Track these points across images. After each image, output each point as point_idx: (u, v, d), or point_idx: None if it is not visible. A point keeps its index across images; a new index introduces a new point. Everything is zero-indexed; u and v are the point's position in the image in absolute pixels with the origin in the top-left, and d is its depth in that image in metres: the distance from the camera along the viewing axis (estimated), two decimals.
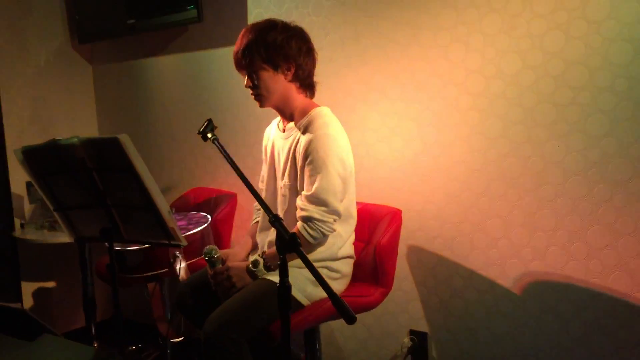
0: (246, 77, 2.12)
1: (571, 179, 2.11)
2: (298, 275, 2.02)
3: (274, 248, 2.13)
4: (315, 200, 2.03)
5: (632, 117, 1.97)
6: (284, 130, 2.22)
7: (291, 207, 2.13)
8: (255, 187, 1.81)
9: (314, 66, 2.17)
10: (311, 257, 2.08)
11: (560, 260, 2.17)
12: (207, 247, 2.17)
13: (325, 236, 2.08)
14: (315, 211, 2.03)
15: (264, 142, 2.35)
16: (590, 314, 2.13)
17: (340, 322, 2.55)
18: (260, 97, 2.13)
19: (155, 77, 3.42)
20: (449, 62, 2.32)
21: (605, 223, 2.06)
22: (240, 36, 2.12)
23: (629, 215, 2.01)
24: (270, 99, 2.14)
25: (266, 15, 2.83)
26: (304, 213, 2.04)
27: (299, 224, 2.06)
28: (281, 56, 2.08)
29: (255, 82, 2.10)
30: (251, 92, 2.14)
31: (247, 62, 2.09)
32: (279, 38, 2.07)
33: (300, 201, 2.07)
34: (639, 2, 1.91)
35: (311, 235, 2.04)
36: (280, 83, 2.11)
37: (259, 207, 2.43)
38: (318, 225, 2.04)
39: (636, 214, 2.00)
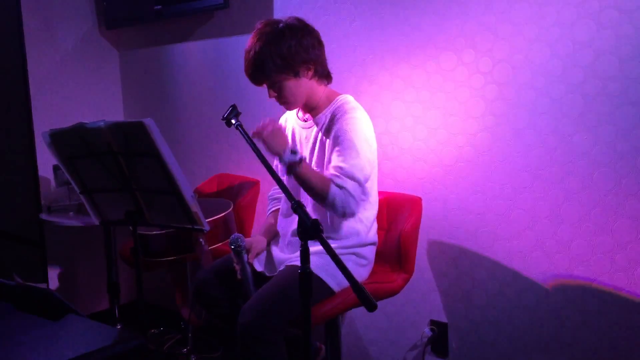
0: (268, 88, 2.10)
1: (598, 171, 2.08)
2: (329, 261, 2.01)
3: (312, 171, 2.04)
4: (347, 174, 2.00)
5: None
6: (305, 120, 2.22)
7: None
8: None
9: (324, 53, 2.15)
10: (340, 243, 2.08)
11: (585, 253, 2.14)
12: (233, 235, 2.13)
13: (345, 211, 2.01)
14: (349, 183, 1.99)
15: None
16: (614, 309, 2.10)
17: (360, 311, 2.56)
18: (287, 104, 2.14)
19: (181, 63, 3.44)
20: (476, 51, 2.29)
21: (632, 217, 2.03)
22: (247, 52, 2.08)
23: None
24: (297, 102, 2.14)
25: (291, 2, 2.82)
26: (338, 180, 1.98)
27: (331, 183, 1.98)
28: (300, 61, 2.05)
29: (280, 92, 2.09)
30: (277, 100, 2.13)
31: (266, 77, 2.06)
32: (292, 44, 2.03)
33: (333, 170, 2.02)
34: None
35: (335, 198, 1.97)
36: (303, 86, 2.10)
37: (275, 196, 2.43)
38: (347, 195, 1.98)
39: None
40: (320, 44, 2.13)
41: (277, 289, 2.01)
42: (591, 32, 2.03)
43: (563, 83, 2.11)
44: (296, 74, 2.06)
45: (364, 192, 2.05)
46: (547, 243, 2.22)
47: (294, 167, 1.95)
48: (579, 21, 2.05)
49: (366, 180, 2.07)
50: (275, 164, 2.38)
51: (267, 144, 1.95)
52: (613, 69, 2.00)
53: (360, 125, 2.05)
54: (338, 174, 2.00)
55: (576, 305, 2.18)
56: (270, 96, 2.12)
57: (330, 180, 1.99)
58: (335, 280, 2.06)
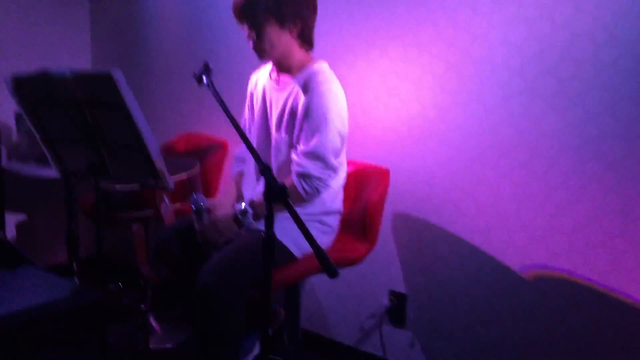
0: (247, 29, 2.05)
1: (564, 153, 2.10)
2: (292, 226, 2.01)
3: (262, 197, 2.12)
4: (313, 156, 2.01)
5: (633, 97, 1.95)
6: (277, 82, 2.19)
7: (285, 160, 2.12)
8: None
9: (315, 22, 2.12)
10: (304, 210, 2.08)
11: (544, 234, 2.18)
12: (194, 195, 2.13)
13: (318, 193, 2.07)
14: (312, 167, 2.01)
15: (250, 88, 2.31)
16: (568, 289, 2.15)
17: (321, 278, 2.57)
18: (261, 51, 2.08)
19: (155, 12, 3.34)
20: (454, 26, 2.28)
21: (593, 201, 2.07)
22: None
23: (617, 195, 2.02)
24: (272, 54, 2.09)
25: None
26: (299, 169, 2.03)
27: (295, 179, 2.04)
28: (290, 11, 2.02)
29: (259, 36, 2.04)
30: (252, 44, 2.08)
31: (252, 14, 2.02)
32: None
33: (295, 156, 2.05)
34: None
35: (305, 191, 2.04)
36: (284, 39, 2.06)
37: (241, 156, 2.39)
38: (314, 181, 2.03)
39: (624, 194, 2.00)
40: (314, 9, 2.10)
41: (238, 251, 2.01)
42: (569, 15, 2.03)
43: (538, 64, 2.12)
44: (282, 24, 2.02)
45: (333, 166, 2.04)
46: (509, 221, 2.25)
47: (256, 211, 2.05)
48: (557, 3, 2.05)
49: (337, 154, 2.06)
50: (243, 124, 2.35)
51: (229, 236, 2.07)
52: (588, 53, 2.01)
53: (333, 99, 2.02)
54: (300, 162, 2.02)
55: (532, 284, 2.23)
56: (248, 37, 2.06)
57: (290, 183, 2.03)
58: (297, 246, 2.06)
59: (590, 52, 2.00)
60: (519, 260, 2.25)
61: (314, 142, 2.01)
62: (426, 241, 2.47)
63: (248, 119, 2.33)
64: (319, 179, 2.03)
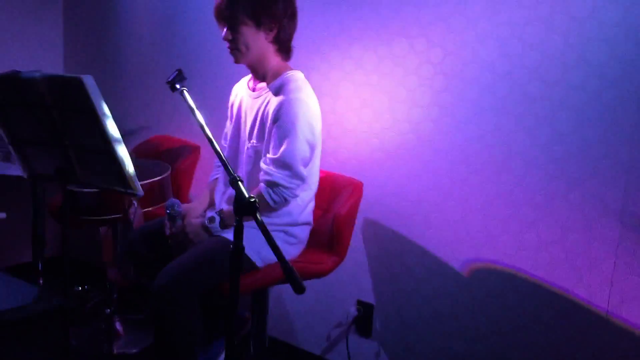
0: (225, 29, 2.06)
1: (531, 171, 2.14)
2: (255, 236, 2.02)
3: (231, 207, 2.12)
4: (281, 164, 2.01)
5: (599, 119, 2.00)
6: (254, 90, 2.19)
7: (256, 168, 2.12)
8: (219, 144, 1.78)
9: (294, 30, 2.13)
10: (271, 220, 2.08)
11: (510, 248, 2.21)
12: (170, 200, 2.14)
13: (287, 202, 2.08)
14: (279, 176, 2.01)
15: (231, 99, 2.32)
16: (532, 304, 2.19)
17: (288, 286, 2.58)
18: (237, 52, 2.09)
19: (129, 13, 3.31)
20: (428, 41, 2.31)
21: (557, 218, 2.11)
22: None
23: (581, 213, 2.06)
24: (246, 56, 2.09)
25: None
26: (267, 177, 2.03)
27: (262, 187, 2.05)
28: (267, 14, 2.03)
29: (235, 36, 2.05)
30: (228, 45, 2.09)
31: (230, 14, 2.03)
32: None
33: (264, 165, 2.05)
34: (622, 4, 1.91)
35: (273, 200, 2.04)
36: (259, 41, 2.07)
37: (220, 164, 2.39)
38: (282, 190, 2.03)
39: (589, 213, 2.04)
40: (293, 17, 2.11)
41: (197, 256, 2.01)
42: (540, 36, 2.07)
43: (508, 82, 2.15)
44: (258, 25, 2.03)
45: (300, 175, 2.04)
46: (476, 236, 2.28)
47: (225, 221, 2.09)
48: (529, 23, 2.08)
49: (305, 163, 2.07)
50: (224, 136, 2.33)
51: (197, 242, 2.09)
52: (556, 74, 2.05)
53: (302, 107, 2.02)
54: (267, 170, 2.03)
55: (497, 297, 2.26)
56: (224, 37, 2.07)
57: (258, 192, 2.04)
58: (259, 256, 2.06)
59: (560, 73, 2.05)
60: (484, 275, 2.28)
61: (282, 150, 2.01)
62: (394, 252, 2.49)
63: (230, 130, 2.32)
64: (286, 187, 2.04)
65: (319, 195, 2.27)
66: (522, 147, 2.15)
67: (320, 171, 2.25)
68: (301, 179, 2.06)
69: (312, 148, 2.07)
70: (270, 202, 2.05)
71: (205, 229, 2.09)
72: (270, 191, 2.03)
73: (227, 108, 2.36)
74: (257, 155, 2.13)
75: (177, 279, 1.94)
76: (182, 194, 2.93)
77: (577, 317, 2.10)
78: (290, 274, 1.40)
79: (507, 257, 2.22)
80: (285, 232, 2.14)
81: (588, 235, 2.05)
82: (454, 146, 2.30)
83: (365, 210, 2.50)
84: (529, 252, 2.18)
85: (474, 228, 2.28)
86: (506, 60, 2.15)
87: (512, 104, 2.15)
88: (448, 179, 2.33)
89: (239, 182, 1.55)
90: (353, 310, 2.60)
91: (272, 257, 2.08)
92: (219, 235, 2.08)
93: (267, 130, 2.08)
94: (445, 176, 2.33)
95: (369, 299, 2.58)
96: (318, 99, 2.15)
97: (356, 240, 2.55)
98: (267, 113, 2.07)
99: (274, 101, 2.05)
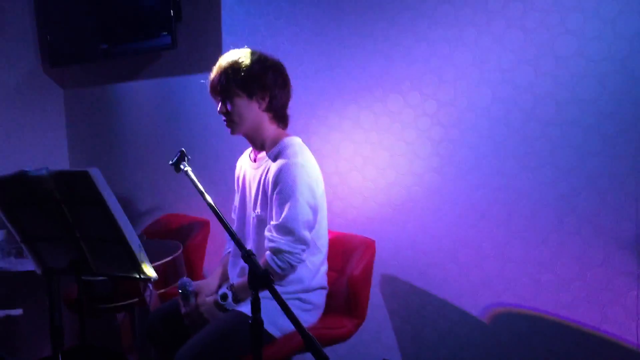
0: (220, 103, 2.12)
1: (541, 211, 2.14)
2: (269, 306, 2.00)
3: (242, 280, 2.12)
4: (283, 229, 2.02)
5: (600, 152, 2.01)
6: (255, 160, 2.22)
7: (262, 237, 2.12)
8: (227, 218, 1.80)
9: (288, 99, 2.18)
10: (283, 289, 2.07)
11: (530, 291, 2.19)
12: (181, 280, 2.15)
13: (293, 267, 2.07)
14: (283, 242, 2.02)
15: (237, 172, 2.35)
16: (559, 345, 2.15)
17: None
18: (232, 123, 2.13)
19: (128, 101, 3.40)
20: (422, 94, 2.35)
21: (574, 256, 2.09)
22: (218, 62, 2.13)
23: (597, 248, 2.04)
24: (242, 126, 2.14)
25: (240, 44, 2.83)
26: (272, 244, 2.03)
27: (268, 254, 2.05)
28: (257, 85, 2.08)
29: (229, 109, 2.10)
30: (224, 118, 2.14)
31: (222, 88, 2.09)
32: (256, 67, 2.09)
33: (267, 232, 2.06)
34: (605, 40, 1.96)
35: (279, 267, 2.03)
36: (253, 112, 2.11)
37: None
38: (286, 256, 2.02)
39: (604, 247, 2.03)
40: (284, 86, 2.16)
41: (213, 333, 2.00)
42: (530, 78, 2.11)
43: (505, 126, 2.18)
44: (250, 96, 2.09)
45: (304, 240, 2.05)
46: (494, 281, 2.26)
47: (237, 295, 2.09)
48: (518, 67, 2.13)
49: (309, 226, 2.07)
50: (234, 209, 2.35)
51: (210, 314, 2.11)
52: (551, 113, 2.08)
53: (301, 171, 2.04)
54: (271, 237, 2.04)
55: (523, 343, 2.22)
56: (219, 111, 2.13)
57: (264, 260, 2.04)
58: (275, 326, 2.04)
59: (554, 112, 2.07)
60: (507, 320, 2.25)
61: (283, 215, 2.02)
62: (414, 306, 2.47)
63: (237, 202, 2.34)
64: (290, 252, 2.02)
65: (332, 257, 2.26)
66: (528, 187, 2.15)
67: (331, 232, 2.25)
68: (305, 243, 2.06)
69: (314, 211, 2.08)
70: (277, 269, 2.04)
71: (219, 306, 2.09)
72: (275, 258, 2.03)
73: (231, 179, 2.39)
74: (261, 224, 2.14)
75: (196, 357, 1.92)
76: (195, 270, 2.93)
77: (608, 353, 2.05)
78: (311, 344, 1.38)
79: (528, 300, 2.19)
80: (300, 300, 2.12)
81: (607, 270, 2.03)
82: (460, 194, 2.31)
83: (381, 266, 2.49)
84: (549, 293, 2.15)
85: (491, 273, 2.27)
86: (500, 104, 2.18)
87: (512, 147, 2.17)
88: (458, 227, 2.32)
89: (252, 257, 1.55)
90: None
91: (289, 326, 2.06)
92: (232, 310, 2.07)
93: (269, 198, 2.10)
94: (455, 224, 2.33)
95: (394, 356, 2.54)
96: (320, 160, 2.17)
97: (376, 298, 2.52)
98: (268, 181, 2.10)
99: (273, 168, 2.08)
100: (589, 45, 1.99)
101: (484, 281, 2.29)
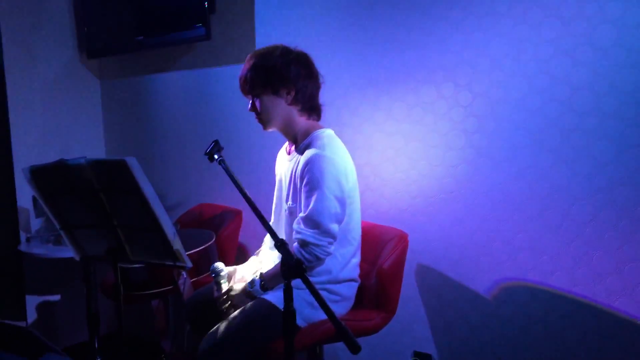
0: (250, 101, 2.15)
1: (576, 204, 2.11)
2: (295, 297, 2.01)
3: (272, 269, 2.14)
4: (310, 222, 2.03)
5: (638, 144, 1.97)
6: (289, 153, 2.24)
7: (292, 229, 2.14)
8: (262, 207, 1.81)
9: (316, 89, 2.17)
10: (311, 279, 2.08)
11: (565, 285, 2.16)
12: (214, 264, 2.19)
13: (320, 260, 2.07)
14: (309, 234, 2.02)
15: (276, 166, 2.37)
16: (595, 340, 2.12)
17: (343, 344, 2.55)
18: (262, 121, 2.16)
19: (162, 93, 3.44)
20: (456, 85, 2.33)
21: (610, 249, 2.06)
22: (245, 62, 2.15)
23: (635, 242, 2.01)
24: (271, 122, 2.16)
25: (273, 34, 2.85)
26: (298, 236, 2.04)
27: (295, 246, 2.06)
28: (280, 80, 2.09)
29: (257, 106, 2.12)
30: (255, 115, 2.16)
31: (250, 87, 2.12)
32: (278, 62, 2.09)
33: (296, 224, 2.07)
34: None
35: (306, 259, 2.04)
36: (280, 107, 2.12)
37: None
38: (312, 248, 2.03)
39: None
40: (310, 77, 2.15)
41: (240, 320, 2.02)
42: (567, 68, 2.07)
43: (541, 117, 2.15)
44: (275, 92, 2.10)
45: (330, 232, 2.05)
46: (528, 275, 2.24)
47: (266, 284, 2.10)
48: (555, 57, 2.09)
49: (337, 219, 2.06)
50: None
51: (241, 307, 2.10)
52: (589, 104, 2.04)
53: (327, 164, 2.03)
54: (298, 229, 2.05)
55: (557, 337, 2.20)
56: (249, 109, 2.16)
57: (293, 248, 2.06)
58: (301, 316, 2.05)
59: (592, 103, 2.03)
60: (542, 315, 2.22)
61: (310, 207, 2.03)
62: (447, 299, 2.46)
63: (276, 196, 2.36)
64: (317, 245, 2.03)
65: (366, 249, 2.26)
66: (564, 180, 2.12)
67: (363, 223, 2.25)
68: (332, 236, 2.05)
69: (342, 204, 2.06)
70: (304, 262, 2.04)
71: (248, 293, 2.11)
72: (302, 250, 2.04)
73: (262, 170, 2.41)
74: (292, 216, 2.15)
75: (220, 344, 1.95)
76: (227, 259, 2.96)
77: None
78: (344, 333, 1.39)
79: (563, 294, 2.16)
80: (327, 290, 2.12)
81: None
82: (494, 186, 2.28)
83: (414, 258, 2.49)
84: (584, 287, 2.12)
85: (525, 267, 2.24)
86: (536, 95, 2.15)
87: (548, 139, 2.14)
88: (492, 220, 2.30)
89: (285, 246, 1.57)
90: None
91: (314, 317, 2.08)
92: (260, 298, 2.09)
93: (298, 190, 2.11)
94: (488, 217, 2.31)
95: (426, 349, 2.53)
96: (352, 152, 2.17)
97: (409, 290, 2.52)
98: (298, 173, 2.11)
99: (302, 160, 2.09)
100: (629, 35, 1.94)
101: (517, 274, 2.26)
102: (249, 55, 2.15)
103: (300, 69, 2.12)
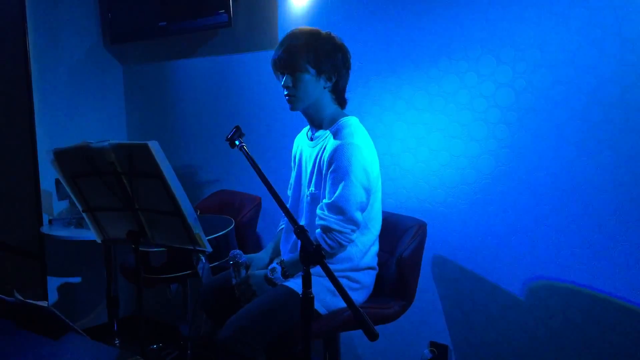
0: (285, 77, 2.11)
1: (600, 197, 2.08)
2: (316, 283, 2.02)
3: (292, 256, 2.14)
4: (335, 208, 2.03)
5: None
6: (311, 139, 2.23)
7: (314, 215, 2.14)
8: (281, 194, 1.82)
9: (347, 82, 2.18)
10: (332, 267, 2.07)
11: (586, 278, 2.14)
12: (233, 251, 2.19)
13: (342, 247, 2.07)
14: (333, 220, 2.03)
15: (294, 151, 2.36)
16: (616, 335, 2.10)
17: (360, 330, 2.56)
18: (295, 98, 2.13)
19: (184, 79, 3.46)
20: (479, 75, 2.31)
21: (632, 243, 2.03)
22: (285, 38, 2.12)
23: None
24: (304, 102, 2.14)
25: (295, 22, 2.84)
26: (322, 222, 2.05)
27: (318, 233, 2.06)
28: (328, 63, 2.09)
29: (295, 84, 2.11)
30: (287, 93, 2.13)
31: (290, 63, 2.08)
32: (329, 46, 2.11)
33: (319, 210, 2.07)
34: None
35: (328, 245, 2.05)
36: (318, 89, 2.12)
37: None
38: (336, 235, 2.03)
39: None
40: (348, 69, 2.17)
41: (261, 306, 2.03)
42: (594, 59, 2.04)
43: (565, 109, 2.12)
44: (319, 73, 2.09)
45: (355, 220, 2.05)
46: (548, 267, 2.22)
47: (287, 271, 2.10)
48: (581, 48, 2.06)
49: (362, 208, 2.07)
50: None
51: (260, 293, 2.11)
52: (615, 97, 2.01)
53: (356, 152, 2.04)
54: (322, 215, 2.05)
55: (576, 329, 2.18)
56: (283, 85, 2.12)
57: (315, 234, 2.05)
58: (322, 304, 2.06)
59: (618, 95, 2.00)
60: (560, 307, 2.21)
61: (336, 194, 2.03)
62: (465, 290, 2.45)
63: (293, 180, 2.36)
64: (340, 232, 2.03)
65: (383, 238, 2.26)
66: (588, 173, 2.10)
67: (383, 212, 2.24)
68: (355, 224, 2.06)
69: (367, 192, 2.08)
70: (327, 248, 2.05)
71: (268, 280, 2.12)
72: (325, 236, 2.04)
73: (283, 157, 2.41)
74: (315, 202, 2.15)
75: (241, 331, 1.96)
76: (246, 245, 2.98)
77: None
78: (363, 321, 1.39)
79: (582, 287, 2.14)
80: (348, 278, 2.13)
81: None
82: (515, 177, 2.26)
83: (432, 249, 2.48)
84: (604, 280, 2.10)
85: (546, 260, 2.22)
86: (561, 86, 2.12)
87: (572, 130, 2.12)
88: (512, 211, 2.29)
89: (304, 232, 1.57)
90: (427, 352, 2.55)
91: (335, 304, 2.09)
92: (281, 285, 2.09)
93: (323, 176, 2.10)
94: (509, 209, 2.29)
95: (443, 339, 2.53)
96: (373, 141, 2.16)
97: (426, 280, 2.52)
98: (323, 159, 2.10)
99: (329, 147, 2.08)
100: None
101: (537, 267, 2.25)
102: (289, 33, 2.13)
103: (345, 58, 2.15)
